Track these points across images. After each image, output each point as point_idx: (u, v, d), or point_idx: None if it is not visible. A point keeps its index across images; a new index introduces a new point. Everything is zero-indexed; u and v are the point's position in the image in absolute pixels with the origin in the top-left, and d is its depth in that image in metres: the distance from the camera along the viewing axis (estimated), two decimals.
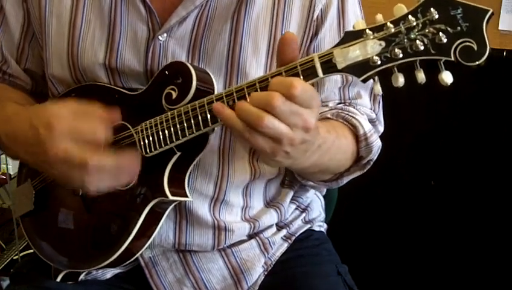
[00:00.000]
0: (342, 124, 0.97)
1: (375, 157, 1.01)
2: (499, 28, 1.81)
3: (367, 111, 1.04)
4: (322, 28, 0.98)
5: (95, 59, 0.98)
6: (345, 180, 1.04)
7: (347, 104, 1.03)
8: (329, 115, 0.99)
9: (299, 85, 0.72)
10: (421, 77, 0.69)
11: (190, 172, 0.94)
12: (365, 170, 1.02)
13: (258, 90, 0.76)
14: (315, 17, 0.97)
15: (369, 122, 1.02)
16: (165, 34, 0.95)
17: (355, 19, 1.01)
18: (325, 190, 1.24)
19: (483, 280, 2.03)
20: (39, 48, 1.07)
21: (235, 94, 0.78)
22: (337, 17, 0.99)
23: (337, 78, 1.00)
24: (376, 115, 1.06)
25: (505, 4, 1.82)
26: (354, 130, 0.97)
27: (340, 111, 1.00)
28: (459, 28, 0.66)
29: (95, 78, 0.99)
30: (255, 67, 0.96)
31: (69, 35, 1.00)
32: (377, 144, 1.00)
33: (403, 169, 2.06)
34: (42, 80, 1.11)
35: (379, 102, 1.07)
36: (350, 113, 0.99)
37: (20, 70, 1.10)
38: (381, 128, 1.08)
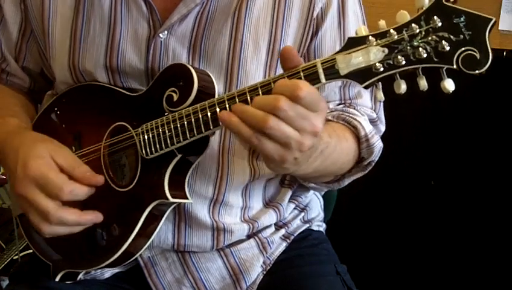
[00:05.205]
0: (343, 125, 0.97)
1: (376, 159, 1.01)
2: (499, 28, 1.80)
3: (367, 111, 1.04)
4: (322, 26, 0.98)
5: (96, 60, 0.98)
6: (346, 181, 1.04)
7: (347, 104, 1.03)
8: (329, 117, 0.99)
9: (305, 87, 0.71)
10: (423, 84, 0.70)
11: (189, 174, 0.94)
12: (366, 171, 1.02)
13: (260, 94, 0.76)
14: (315, 15, 0.97)
15: (370, 122, 1.02)
16: (166, 32, 0.95)
17: (355, 18, 1.01)
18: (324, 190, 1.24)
19: (483, 279, 2.03)
20: (37, 47, 1.07)
21: (237, 98, 0.78)
22: (337, 16, 0.99)
23: None
24: (377, 114, 1.06)
25: (505, 4, 1.81)
26: (355, 131, 0.97)
27: (340, 113, 1.00)
28: (461, 36, 0.67)
29: (95, 79, 0.99)
30: (256, 65, 0.96)
31: (70, 35, 1.00)
32: (378, 145, 1.00)
33: (403, 169, 2.06)
34: (40, 77, 1.12)
35: (380, 101, 1.07)
36: (351, 115, 0.99)
37: (18, 68, 1.10)
38: (382, 128, 1.08)
